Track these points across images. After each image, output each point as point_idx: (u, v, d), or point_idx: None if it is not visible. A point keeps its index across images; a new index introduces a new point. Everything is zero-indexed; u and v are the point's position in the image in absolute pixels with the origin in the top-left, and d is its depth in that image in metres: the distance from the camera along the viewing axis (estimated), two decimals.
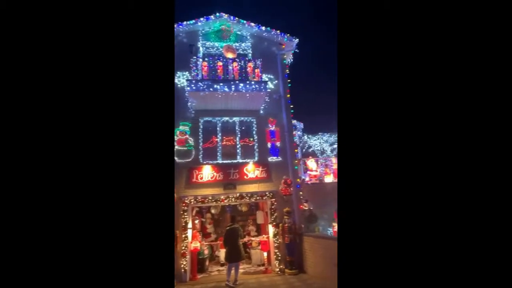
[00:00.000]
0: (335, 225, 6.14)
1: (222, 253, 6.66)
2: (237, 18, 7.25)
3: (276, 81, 7.32)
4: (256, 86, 6.40)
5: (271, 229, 6.47)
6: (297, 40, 7.48)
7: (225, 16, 7.17)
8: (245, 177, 6.48)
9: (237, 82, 6.34)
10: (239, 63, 6.56)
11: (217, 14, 7.13)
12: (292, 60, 8.22)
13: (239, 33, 7.40)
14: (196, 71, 6.37)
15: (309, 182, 7.51)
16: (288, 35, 7.48)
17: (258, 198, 6.56)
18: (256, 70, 6.63)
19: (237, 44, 7.26)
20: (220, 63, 6.46)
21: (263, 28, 7.38)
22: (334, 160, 8.04)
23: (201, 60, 6.49)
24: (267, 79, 7.02)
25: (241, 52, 7.30)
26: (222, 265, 6.99)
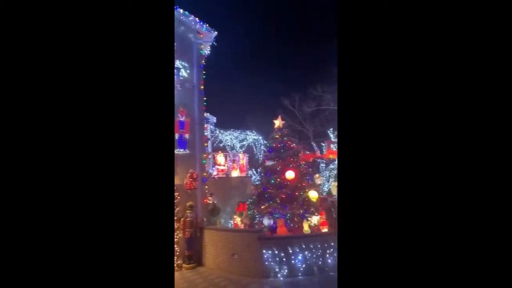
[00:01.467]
0: (236, 217, 6.47)
1: None
2: None
3: (190, 70, 7.00)
4: None
5: None
6: (215, 33, 7.38)
7: None
8: None
9: None
10: None
11: None
12: (209, 52, 8.07)
13: None
14: None
15: (216, 177, 7.59)
16: (207, 25, 7.27)
17: None
18: None
19: None
20: None
21: (181, 10, 6.89)
22: (242, 156, 8.44)
23: None
24: (180, 66, 6.61)
25: None
26: None
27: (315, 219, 5.77)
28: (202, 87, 7.12)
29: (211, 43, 7.61)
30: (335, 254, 5.01)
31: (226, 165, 7.99)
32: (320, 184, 10.59)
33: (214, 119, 10.09)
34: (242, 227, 6.12)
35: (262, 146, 11.83)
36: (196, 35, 7.23)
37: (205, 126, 8.13)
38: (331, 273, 4.78)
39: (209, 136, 9.23)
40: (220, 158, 8.02)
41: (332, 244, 5.04)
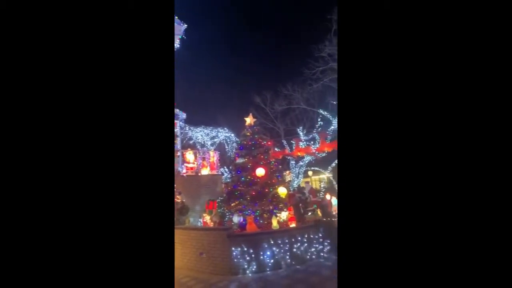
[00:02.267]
0: (205, 215, 6.37)
1: None
2: None
3: None
4: None
5: None
6: (185, 25, 7.15)
7: None
8: None
9: None
10: None
11: None
12: (179, 46, 7.79)
13: None
14: None
15: (185, 175, 7.39)
16: (176, 17, 7.01)
17: None
18: None
19: None
20: None
21: None
22: (212, 153, 8.32)
23: None
24: None
25: None
26: None
27: (283, 215, 5.92)
28: None
29: (180, 36, 7.36)
30: (302, 248, 5.21)
31: (195, 162, 7.82)
32: (289, 181, 10.89)
33: (184, 115, 9.78)
34: (212, 226, 6.06)
35: (234, 144, 11.77)
36: None
37: (174, 122, 7.85)
38: (297, 267, 4.96)
39: (178, 133, 8.93)
40: (190, 155, 7.82)
41: (299, 238, 5.23)
